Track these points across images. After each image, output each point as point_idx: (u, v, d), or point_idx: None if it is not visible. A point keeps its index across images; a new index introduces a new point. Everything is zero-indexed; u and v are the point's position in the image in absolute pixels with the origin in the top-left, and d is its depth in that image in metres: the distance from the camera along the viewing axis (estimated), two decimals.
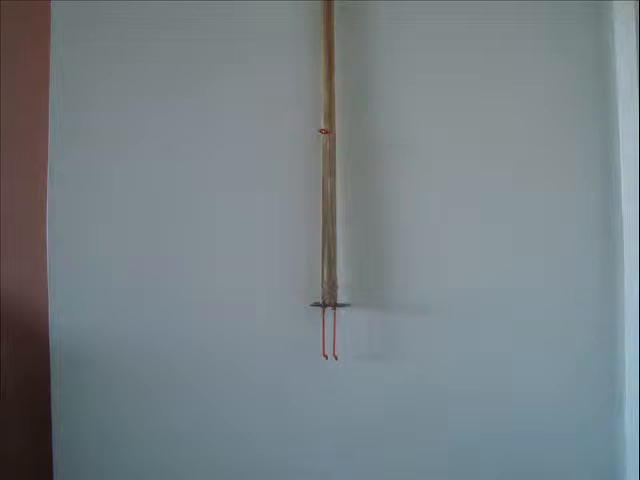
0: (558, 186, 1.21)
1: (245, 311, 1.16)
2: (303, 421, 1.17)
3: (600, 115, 1.22)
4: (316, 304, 1.13)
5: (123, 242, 1.16)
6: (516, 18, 1.21)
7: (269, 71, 1.18)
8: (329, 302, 1.12)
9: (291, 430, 1.16)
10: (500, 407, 1.19)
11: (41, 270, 1.15)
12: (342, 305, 1.13)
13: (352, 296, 1.15)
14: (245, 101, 1.17)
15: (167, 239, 1.16)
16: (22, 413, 1.16)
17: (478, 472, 1.18)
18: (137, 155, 1.16)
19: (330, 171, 1.14)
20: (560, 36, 1.22)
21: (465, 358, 1.18)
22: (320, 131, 1.14)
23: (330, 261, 1.13)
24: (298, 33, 1.18)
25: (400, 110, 1.19)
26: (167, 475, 1.15)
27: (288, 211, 1.17)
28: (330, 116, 1.14)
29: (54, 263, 1.15)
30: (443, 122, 1.20)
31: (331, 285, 1.12)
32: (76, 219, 1.15)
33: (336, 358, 1.13)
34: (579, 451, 1.20)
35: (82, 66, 1.16)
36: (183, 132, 1.17)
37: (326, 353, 1.13)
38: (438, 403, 1.18)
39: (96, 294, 1.15)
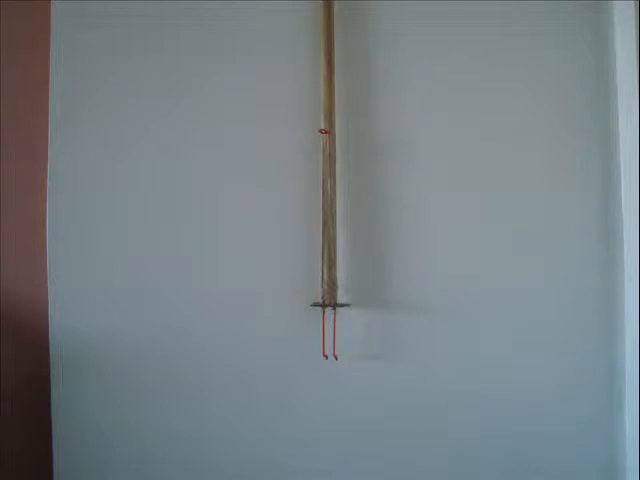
0: (558, 186, 1.20)
1: (245, 311, 1.16)
2: (303, 421, 1.17)
3: (600, 115, 1.22)
4: (316, 304, 1.13)
5: (123, 242, 1.16)
6: (516, 18, 1.21)
7: (269, 71, 1.18)
8: (329, 302, 1.12)
9: (291, 430, 1.16)
10: (500, 407, 1.19)
11: (41, 270, 1.15)
12: (342, 305, 1.13)
13: (352, 296, 1.15)
14: (245, 101, 1.17)
15: (167, 239, 1.16)
16: (22, 413, 1.16)
17: (478, 472, 1.18)
18: (137, 155, 1.16)
19: (330, 171, 1.14)
20: (560, 36, 1.22)
21: (465, 358, 1.18)
22: (320, 131, 1.14)
23: (330, 261, 1.13)
24: (298, 33, 1.18)
25: (400, 110, 1.19)
26: (167, 475, 1.15)
27: (288, 211, 1.17)
28: (330, 116, 1.14)
29: (54, 263, 1.15)
30: (443, 122, 1.20)
31: (331, 285, 1.12)
32: (76, 219, 1.15)
33: (336, 358, 1.13)
34: (579, 451, 1.20)
35: (82, 66, 1.16)
36: (183, 132, 1.17)
37: (326, 353, 1.13)
38: (438, 403, 1.18)
39: (96, 294, 1.15)
